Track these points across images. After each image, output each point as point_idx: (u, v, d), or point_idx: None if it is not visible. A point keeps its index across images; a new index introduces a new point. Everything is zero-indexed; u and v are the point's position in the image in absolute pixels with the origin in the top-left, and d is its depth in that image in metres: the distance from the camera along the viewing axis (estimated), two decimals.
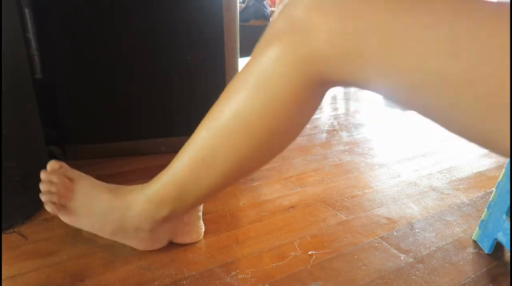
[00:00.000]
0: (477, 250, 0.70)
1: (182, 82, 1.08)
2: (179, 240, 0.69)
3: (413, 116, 1.62)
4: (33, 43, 0.99)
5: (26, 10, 0.95)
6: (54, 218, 0.77)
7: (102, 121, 1.07)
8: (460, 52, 0.32)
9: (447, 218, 0.81)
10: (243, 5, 2.53)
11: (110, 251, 0.67)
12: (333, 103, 1.85)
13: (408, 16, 0.35)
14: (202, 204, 0.71)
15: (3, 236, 0.71)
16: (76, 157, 1.06)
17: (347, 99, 1.96)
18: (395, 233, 0.75)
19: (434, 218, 0.81)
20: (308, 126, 1.42)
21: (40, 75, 1.02)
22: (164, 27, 1.02)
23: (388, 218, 0.80)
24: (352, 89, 2.16)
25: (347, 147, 1.22)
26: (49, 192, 0.61)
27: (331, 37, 0.39)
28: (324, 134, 1.34)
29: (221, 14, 1.05)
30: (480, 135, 0.34)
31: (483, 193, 0.92)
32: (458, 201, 0.88)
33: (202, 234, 0.72)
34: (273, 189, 0.92)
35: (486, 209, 0.71)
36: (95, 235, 0.71)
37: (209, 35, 1.06)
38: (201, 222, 0.71)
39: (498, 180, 0.69)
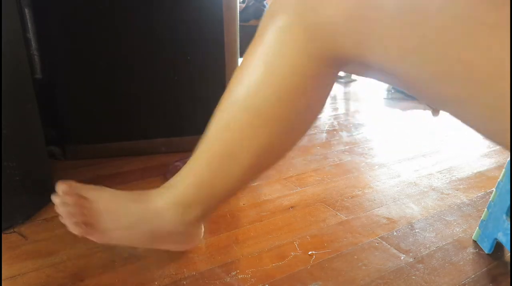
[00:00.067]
0: (477, 250, 0.70)
1: (182, 82, 1.08)
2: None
3: (413, 116, 1.63)
4: (33, 43, 0.99)
5: (26, 10, 0.95)
6: (54, 218, 0.77)
7: (102, 121, 1.07)
8: (494, 45, 0.30)
9: (447, 218, 0.81)
10: (243, 5, 2.53)
11: (110, 251, 0.67)
12: (333, 103, 1.85)
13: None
14: None
15: (3, 236, 0.71)
16: (76, 157, 1.06)
17: (347, 99, 1.96)
18: (395, 233, 0.75)
19: (434, 218, 0.81)
20: None
21: (40, 75, 1.02)
22: (164, 27, 1.02)
23: (388, 218, 0.80)
24: (352, 90, 2.16)
25: (347, 147, 1.22)
26: (70, 214, 0.57)
27: (346, 2, 0.35)
28: (324, 134, 1.34)
29: (221, 14, 1.05)
30: (497, 132, 0.33)
31: (483, 193, 0.92)
32: (458, 201, 0.88)
33: (202, 234, 0.72)
34: (273, 189, 0.92)
35: (486, 209, 0.71)
36: None
37: (209, 35, 1.06)
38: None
39: (498, 180, 0.69)
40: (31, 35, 0.98)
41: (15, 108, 0.72)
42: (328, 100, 1.90)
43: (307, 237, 0.73)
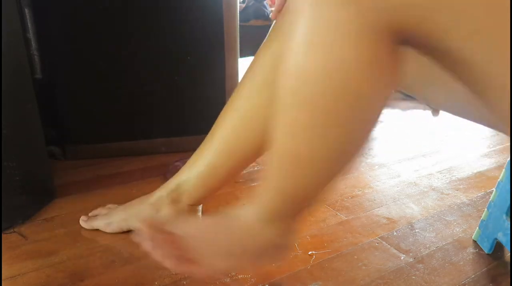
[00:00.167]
0: (477, 250, 0.70)
1: (182, 82, 1.08)
2: None
3: (413, 116, 1.63)
4: (33, 43, 0.99)
5: (26, 10, 0.95)
6: (54, 218, 0.77)
7: (102, 121, 1.07)
8: None
9: (447, 218, 0.81)
10: (243, 5, 2.53)
11: (110, 251, 0.67)
12: None
13: None
14: (201, 205, 0.71)
15: (3, 236, 0.71)
16: (76, 157, 1.06)
17: None
18: (395, 233, 0.75)
19: (434, 218, 0.81)
20: None
21: (40, 75, 1.02)
22: (164, 27, 1.02)
23: (388, 218, 0.80)
24: None
25: None
26: (166, 254, 0.53)
27: None
28: None
29: (221, 14, 1.05)
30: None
31: (483, 193, 0.92)
32: (458, 201, 0.88)
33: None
34: None
35: (486, 209, 0.71)
36: (95, 235, 0.72)
37: (209, 35, 1.06)
38: None
39: (498, 180, 0.69)
40: (31, 35, 0.98)
41: (15, 108, 0.72)
42: None
43: (307, 237, 0.73)
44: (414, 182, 0.97)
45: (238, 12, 1.10)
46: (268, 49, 0.56)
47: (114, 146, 1.09)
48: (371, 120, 0.42)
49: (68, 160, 1.06)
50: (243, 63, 0.60)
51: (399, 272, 0.64)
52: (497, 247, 0.69)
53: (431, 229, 0.77)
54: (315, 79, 0.37)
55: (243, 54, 1.17)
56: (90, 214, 0.75)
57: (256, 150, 0.62)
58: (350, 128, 0.41)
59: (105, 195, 0.87)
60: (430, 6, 0.31)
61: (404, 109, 1.74)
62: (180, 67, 1.06)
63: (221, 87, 1.10)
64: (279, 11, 0.57)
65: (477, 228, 0.73)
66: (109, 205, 0.76)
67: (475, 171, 1.05)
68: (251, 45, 0.94)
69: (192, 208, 0.69)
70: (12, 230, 0.73)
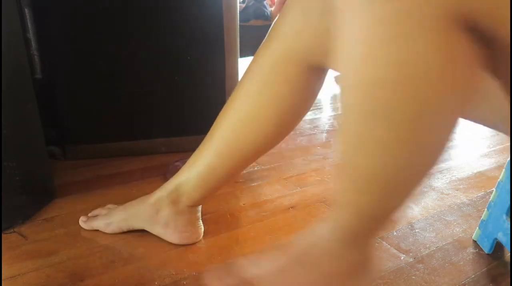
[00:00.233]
0: (477, 250, 0.70)
1: (182, 82, 1.08)
2: (179, 240, 0.69)
3: None
4: (33, 43, 0.99)
5: (26, 10, 0.95)
6: (54, 218, 0.77)
7: (102, 121, 1.07)
8: None
9: (447, 218, 0.81)
10: (243, 5, 2.52)
11: (110, 251, 0.67)
12: (333, 103, 1.84)
13: None
14: (201, 205, 0.71)
15: (3, 236, 0.71)
16: (76, 157, 1.06)
17: None
18: (395, 233, 0.75)
19: (434, 218, 0.81)
20: (308, 126, 1.42)
21: (40, 75, 1.02)
22: (164, 27, 1.02)
23: None
24: None
25: None
26: None
27: None
28: (324, 134, 1.34)
29: (221, 14, 1.05)
30: None
31: (483, 193, 0.92)
32: (458, 201, 0.88)
33: (202, 235, 0.72)
34: (273, 189, 0.92)
35: (486, 209, 0.71)
36: (95, 235, 0.72)
37: (209, 35, 1.06)
38: (201, 223, 0.71)
39: (498, 180, 0.69)
40: (31, 35, 0.98)
41: (15, 108, 0.72)
42: (328, 100, 1.90)
43: None
44: None
45: (238, 12, 1.10)
46: (268, 49, 0.56)
47: (114, 146, 1.09)
48: (449, 128, 0.38)
49: (68, 160, 1.06)
50: (243, 63, 0.59)
51: (399, 272, 0.64)
52: (497, 247, 0.69)
53: (431, 229, 0.77)
54: (390, 90, 0.32)
55: (243, 54, 1.17)
56: (89, 214, 0.75)
57: (256, 150, 0.62)
58: (427, 141, 0.37)
59: (105, 195, 0.87)
60: None
61: None
62: (180, 67, 1.06)
63: (221, 87, 1.10)
64: (282, 3, 0.56)
65: (477, 228, 0.73)
66: (109, 205, 0.76)
67: (475, 171, 1.05)
68: (251, 45, 0.94)
69: (191, 209, 0.69)
70: (12, 230, 0.73)
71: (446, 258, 0.68)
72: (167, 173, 0.97)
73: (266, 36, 0.57)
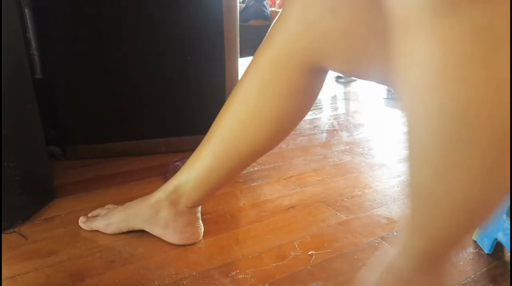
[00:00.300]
0: (477, 250, 0.70)
1: (182, 82, 1.08)
2: (179, 240, 0.69)
3: None
4: (33, 43, 0.99)
5: (26, 10, 0.95)
6: (54, 218, 0.77)
7: (102, 121, 1.07)
8: None
9: None
10: (243, 5, 2.53)
11: (110, 251, 0.67)
12: (333, 103, 1.85)
13: None
14: (201, 205, 0.71)
15: (3, 236, 0.71)
16: (76, 157, 1.06)
17: (347, 99, 1.96)
18: (395, 233, 0.75)
19: None
20: (308, 126, 1.42)
21: (40, 75, 1.02)
22: (164, 27, 1.02)
23: (388, 218, 0.80)
24: (352, 90, 2.16)
25: (347, 147, 1.22)
26: None
27: None
28: (324, 134, 1.34)
29: (221, 14, 1.05)
30: None
31: None
32: None
33: (202, 235, 0.72)
34: (273, 189, 0.92)
35: None
36: (95, 235, 0.72)
37: (209, 35, 1.06)
38: (200, 223, 0.71)
39: None
40: (31, 35, 0.98)
41: (15, 108, 0.72)
42: (328, 100, 1.90)
43: (307, 237, 0.73)
44: None
45: (238, 12, 1.10)
46: (267, 49, 0.56)
47: (114, 146, 1.09)
48: None
49: (68, 160, 1.06)
50: (243, 63, 0.59)
51: None
52: (497, 247, 0.69)
53: None
54: (475, 112, 0.30)
55: (243, 54, 1.17)
56: (89, 215, 0.75)
57: (255, 151, 0.62)
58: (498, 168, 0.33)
59: (105, 195, 0.87)
60: None
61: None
62: (180, 67, 1.06)
63: (221, 87, 1.10)
64: None
65: (477, 228, 0.73)
66: (108, 206, 0.76)
67: None
68: (251, 45, 0.94)
69: (191, 210, 0.69)
70: (12, 230, 0.73)
71: None
72: (167, 173, 0.97)
73: (266, 35, 0.57)
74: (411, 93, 0.32)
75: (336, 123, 1.49)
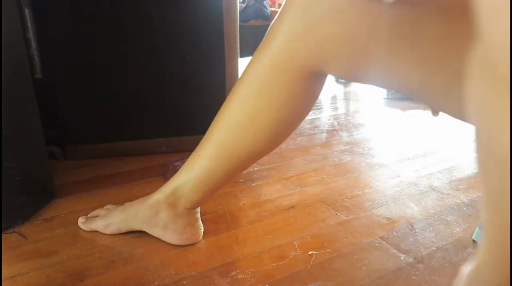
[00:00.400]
0: (477, 250, 0.70)
1: (182, 82, 1.08)
2: (178, 241, 0.69)
3: (413, 116, 1.63)
4: (33, 43, 0.99)
5: (26, 10, 0.95)
6: (54, 218, 0.77)
7: (102, 121, 1.07)
8: None
9: (447, 218, 0.81)
10: (243, 5, 2.52)
11: (110, 251, 0.67)
12: (333, 103, 1.85)
13: None
14: (200, 207, 0.71)
15: (3, 236, 0.71)
16: (76, 157, 1.06)
17: (347, 99, 1.96)
18: (395, 233, 0.75)
19: (434, 218, 0.81)
20: (308, 126, 1.42)
21: (40, 75, 1.02)
22: (164, 27, 1.02)
23: (388, 218, 0.80)
24: (352, 90, 2.16)
25: (347, 147, 1.22)
26: None
27: None
28: (324, 134, 1.34)
29: (221, 14, 1.05)
30: None
31: None
32: (458, 201, 0.88)
33: (201, 235, 0.72)
34: (273, 189, 0.92)
35: None
36: (95, 235, 0.72)
37: (209, 36, 1.06)
38: (200, 223, 0.71)
39: None
40: (31, 35, 0.98)
41: (15, 108, 0.72)
42: (328, 100, 1.90)
43: (307, 237, 0.73)
44: (414, 182, 0.97)
45: (238, 12, 1.10)
46: (267, 49, 0.55)
47: (114, 146, 1.09)
48: None
49: (68, 160, 1.06)
50: (243, 63, 0.59)
51: (399, 272, 0.64)
52: None
53: (431, 229, 0.77)
54: None
55: (243, 54, 1.17)
56: (89, 215, 0.75)
57: (255, 154, 0.61)
58: None
59: (105, 195, 0.87)
60: None
61: (404, 109, 1.74)
62: (180, 67, 1.06)
63: (221, 87, 1.10)
64: None
65: (477, 228, 0.73)
66: (108, 206, 0.76)
67: (475, 171, 1.05)
68: (251, 45, 0.94)
69: (190, 212, 0.68)
70: (12, 230, 0.73)
71: (446, 258, 0.68)
72: (167, 173, 0.97)
73: (265, 35, 0.56)
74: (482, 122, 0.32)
75: (336, 123, 1.49)
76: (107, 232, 0.71)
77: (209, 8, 1.04)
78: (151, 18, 1.01)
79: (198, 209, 0.71)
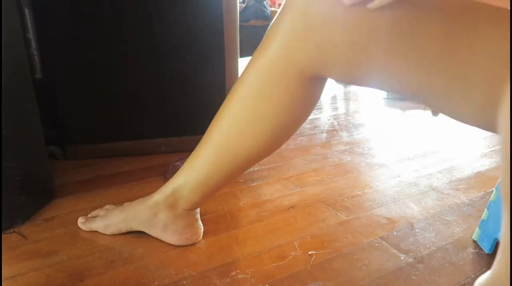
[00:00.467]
0: (477, 250, 0.70)
1: (182, 82, 1.08)
2: (178, 242, 0.69)
3: (413, 116, 1.63)
4: (33, 43, 0.99)
5: (26, 10, 0.95)
6: (54, 218, 0.77)
7: (102, 121, 1.07)
8: None
9: (447, 218, 0.81)
10: (243, 5, 2.52)
11: (110, 251, 0.68)
12: (333, 103, 1.85)
13: None
14: (199, 208, 0.71)
15: (3, 236, 0.71)
16: (76, 157, 1.06)
17: (347, 99, 1.96)
18: (395, 233, 0.75)
19: (434, 218, 0.81)
20: (308, 126, 1.42)
21: (40, 75, 1.02)
22: (164, 27, 1.02)
23: (388, 218, 0.80)
24: (352, 90, 2.16)
25: (347, 147, 1.22)
26: None
27: None
28: (324, 134, 1.34)
29: (221, 14, 1.05)
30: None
31: (483, 193, 0.92)
32: (458, 201, 0.88)
33: (201, 235, 0.72)
34: (273, 189, 0.92)
35: (486, 209, 0.71)
36: (95, 235, 0.72)
37: (209, 36, 1.06)
38: (200, 223, 0.71)
39: (498, 179, 0.69)
40: (31, 35, 0.98)
41: (15, 108, 0.72)
42: (328, 100, 1.90)
43: (307, 237, 0.73)
44: (414, 182, 0.97)
45: (238, 12, 1.10)
46: (266, 49, 0.54)
47: (114, 146, 1.09)
48: None
49: (68, 160, 1.06)
50: (243, 63, 0.59)
51: (399, 272, 0.64)
52: (497, 247, 0.69)
53: (431, 229, 0.77)
54: None
55: (243, 54, 1.17)
56: (88, 216, 0.75)
57: (254, 156, 0.61)
58: None
59: (105, 195, 0.87)
60: None
61: (404, 109, 1.74)
62: (180, 67, 1.06)
63: (221, 87, 1.10)
64: None
65: (477, 228, 0.73)
66: (107, 206, 0.76)
67: (475, 171, 1.05)
68: (251, 45, 0.94)
69: (189, 212, 0.68)
70: (12, 230, 0.73)
71: (446, 258, 0.68)
72: (167, 173, 0.97)
73: (265, 36, 0.55)
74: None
75: (336, 123, 1.49)
76: (106, 232, 0.71)
77: (209, 9, 1.04)
78: (151, 18, 1.01)
79: (198, 210, 0.71)
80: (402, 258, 0.68)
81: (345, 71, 0.52)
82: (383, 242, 0.72)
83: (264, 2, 2.56)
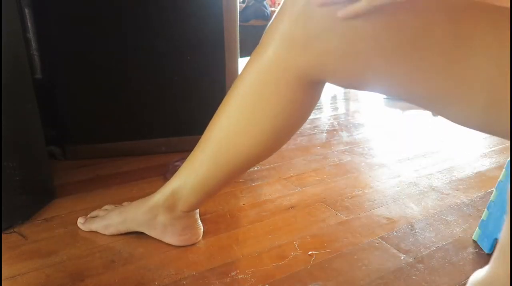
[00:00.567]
0: (477, 250, 0.70)
1: (182, 82, 1.08)
2: (178, 242, 0.69)
3: (413, 116, 1.63)
4: (33, 43, 0.99)
5: (26, 10, 0.95)
6: (54, 218, 0.77)
7: (102, 121, 1.07)
8: None
9: (447, 218, 0.81)
10: (243, 5, 2.52)
11: (110, 251, 0.68)
12: (333, 103, 1.85)
13: None
14: (198, 209, 0.71)
15: (3, 236, 0.71)
16: (76, 157, 1.06)
17: (347, 99, 1.96)
18: (395, 233, 0.75)
19: (434, 218, 0.81)
20: (308, 126, 1.42)
21: (40, 75, 1.02)
22: (164, 27, 1.02)
23: (388, 218, 0.80)
24: (352, 90, 2.16)
25: (347, 147, 1.22)
26: None
27: None
28: (324, 134, 1.34)
29: (221, 14, 1.05)
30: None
31: (483, 193, 0.92)
32: (458, 201, 0.88)
33: (201, 235, 0.72)
34: (273, 189, 0.92)
35: (486, 209, 0.71)
36: (95, 235, 0.72)
37: (209, 36, 1.06)
38: (199, 224, 0.71)
39: (498, 180, 0.69)
40: (31, 35, 0.98)
41: (15, 108, 0.72)
42: (328, 100, 1.90)
43: (307, 237, 0.73)
44: (414, 182, 0.97)
45: (238, 12, 1.10)
46: (266, 50, 0.54)
47: (114, 146, 1.09)
48: None
49: (68, 160, 1.06)
50: (243, 63, 0.59)
51: (399, 272, 0.64)
52: None
53: (431, 229, 0.77)
54: None
55: (243, 54, 1.17)
56: (88, 216, 0.75)
57: (253, 156, 0.60)
58: None
59: (105, 195, 0.87)
60: None
61: (404, 109, 1.74)
62: (180, 67, 1.06)
63: (221, 87, 1.10)
64: None
65: (477, 228, 0.73)
66: (106, 206, 0.76)
67: (475, 171, 1.05)
68: (251, 45, 0.94)
69: (188, 214, 0.68)
70: (12, 230, 0.73)
71: (446, 258, 0.68)
72: (167, 173, 0.97)
73: (262, 37, 0.55)
74: None
75: (336, 123, 1.49)
76: (106, 233, 0.71)
77: (209, 8, 1.04)
78: (151, 18, 1.01)
79: (197, 210, 0.70)
80: (402, 258, 0.68)
81: (344, 78, 0.51)
82: (383, 242, 0.72)
83: (264, 2, 2.56)
